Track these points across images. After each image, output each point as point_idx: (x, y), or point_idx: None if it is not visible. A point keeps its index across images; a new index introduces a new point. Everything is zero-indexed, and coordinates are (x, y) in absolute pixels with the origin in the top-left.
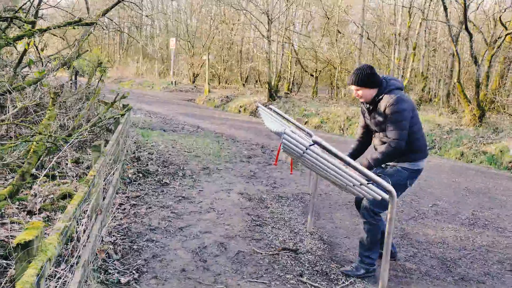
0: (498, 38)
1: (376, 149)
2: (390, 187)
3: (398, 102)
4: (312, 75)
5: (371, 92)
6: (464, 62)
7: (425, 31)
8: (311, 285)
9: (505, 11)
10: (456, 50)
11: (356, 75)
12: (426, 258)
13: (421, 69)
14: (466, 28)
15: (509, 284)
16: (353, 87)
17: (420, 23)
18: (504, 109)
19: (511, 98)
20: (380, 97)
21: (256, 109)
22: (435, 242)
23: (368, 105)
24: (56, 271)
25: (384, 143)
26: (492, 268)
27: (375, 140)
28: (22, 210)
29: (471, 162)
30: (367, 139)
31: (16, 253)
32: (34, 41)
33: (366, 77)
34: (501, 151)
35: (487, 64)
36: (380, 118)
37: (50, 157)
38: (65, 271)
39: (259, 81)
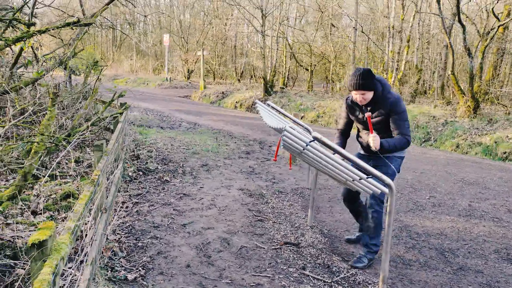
0: (491, 29)
1: (369, 147)
2: (389, 180)
3: (401, 101)
4: (307, 69)
5: (372, 94)
6: (457, 54)
7: (418, 23)
8: (313, 277)
9: (497, 2)
10: (450, 42)
11: (363, 80)
12: (425, 249)
13: (415, 61)
14: (459, 20)
15: (507, 273)
16: (359, 92)
17: (414, 15)
18: (498, 100)
19: (505, 89)
20: (382, 97)
21: (252, 104)
22: (433, 233)
23: (363, 106)
24: (64, 269)
25: None
26: (490, 258)
27: (366, 137)
28: (25, 210)
29: (466, 153)
30: (348, 134)
31: (31, 253)
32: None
33: (371, 81)
34: (495, 142)
35: (481, 55)
36: (380, 117)
37: (50, 157)
38: (73, 269)
39: (254, 76)
